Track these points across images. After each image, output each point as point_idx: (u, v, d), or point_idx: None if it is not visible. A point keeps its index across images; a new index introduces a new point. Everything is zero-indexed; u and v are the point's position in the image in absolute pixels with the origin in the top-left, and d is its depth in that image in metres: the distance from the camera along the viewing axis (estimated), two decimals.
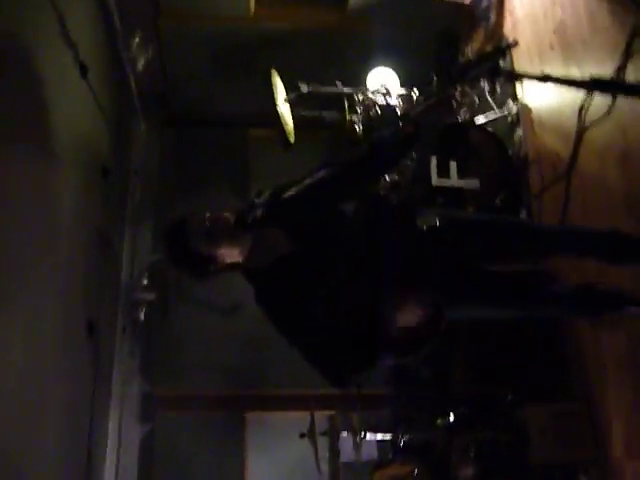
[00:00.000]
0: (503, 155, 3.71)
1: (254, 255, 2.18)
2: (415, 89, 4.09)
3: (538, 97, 3.65)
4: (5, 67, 2.45)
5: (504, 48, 1.61)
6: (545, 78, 1.62)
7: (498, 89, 3.45)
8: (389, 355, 2.09)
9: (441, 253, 2.22)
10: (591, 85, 1.55)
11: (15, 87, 2.58)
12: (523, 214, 3.67)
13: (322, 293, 2.04)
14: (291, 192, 1.91)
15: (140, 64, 4.17)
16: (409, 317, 2.00)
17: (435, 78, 2.16)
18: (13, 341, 2.47)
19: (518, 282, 2.40)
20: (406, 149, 2.01)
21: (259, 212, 2.04)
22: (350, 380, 2.15)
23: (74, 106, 3.44)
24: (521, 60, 3.77)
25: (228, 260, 2.14)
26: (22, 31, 2.64)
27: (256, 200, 2.02)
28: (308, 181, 1.89)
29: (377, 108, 4.01)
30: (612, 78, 2.50)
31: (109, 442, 4.16)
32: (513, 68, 2.88)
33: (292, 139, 4.04)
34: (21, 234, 2.58)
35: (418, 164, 3.41)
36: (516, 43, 1.55)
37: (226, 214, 2.18)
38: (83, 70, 3.48)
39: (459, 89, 1.79)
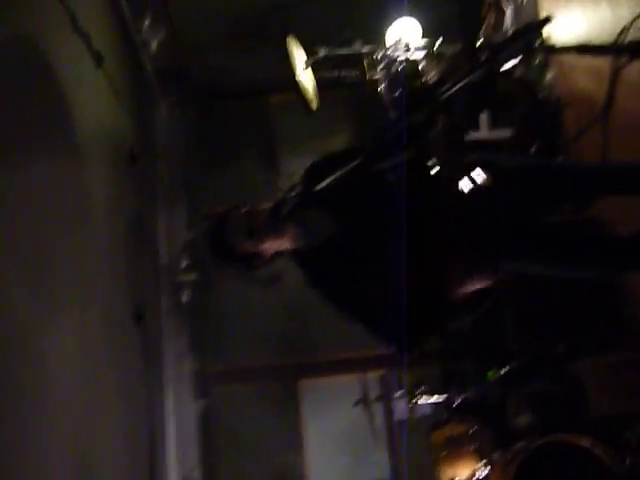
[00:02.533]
0: (534, 101, 3.58)
1: (299, 241, 2.18)
2: (439, 39, 3.93)
3: (566, 37, 3.49)
4: (20, 67, 2.43)
5: (537, 24, 1.51)
6: (583, 48, 1.53)
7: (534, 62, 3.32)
8: (452, 318, 2.09)
9: (488, 207, 2.17)
10: (630, 50, 1.45)
11: (33, 85, 2.56)
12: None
13: (377, 266, 2.03)
14: (322, 185, 1.87)
15: (154, 45, 4.10)
16: (469, 280, 1.99)
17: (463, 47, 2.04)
18: (65, 335, 2.53)
19: (570, 235, 2.34)
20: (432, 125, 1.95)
21: (292, 206, 2.01)
22: (417, 345, 2.14)
23: (93, 97, 3.41)
24: (546, 1, 3.61)
25: (274, 251, 2.17)
26: (33, 28, 2.60)
27: (288, 194, 1.98)
28: (338, 172, 1.84)
29: (398, 64, 3.88)
30: None
31: (168, 422, 4.28)
32: (538, 11, 2.74)
33: (314, 105, 3.95)
34: (59, 231, 2.61)
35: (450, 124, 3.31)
36: (549, 19, 1.46)
37: (264, 207, 2.17)
38: (98, 59, 3.43)
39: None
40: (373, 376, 4.50)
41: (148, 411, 3.83)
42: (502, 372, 3.61)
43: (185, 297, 4.42)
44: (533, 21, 2.50)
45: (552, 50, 1.69)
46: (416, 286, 1.97)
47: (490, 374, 3.68)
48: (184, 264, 4.50)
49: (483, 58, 1.65)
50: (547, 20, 1.55)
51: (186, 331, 4.58)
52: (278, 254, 2.19)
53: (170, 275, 4.51)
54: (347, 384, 4.41)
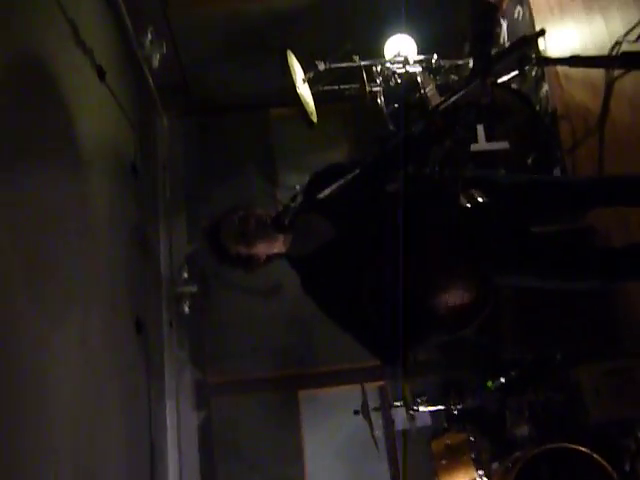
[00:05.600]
0: (531, 113, 3.63)
1: (296, 244, 2.23)
2: (435, 55, 4.01)
3: (562, 49, 3.55)
4: (23, 79, 2.47)
5: (531, 37, 1.56)
6: (575, 60, 1.58)
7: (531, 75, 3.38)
8: (439, 333, 2.12)
9: (485, 224, 2.21)
10: (622, 61, 1.50)
11: (36, 97, 2.60)
12: (557, 172, 3.61)
13: (369, 274, 2.07)
14: (324, 194, 1.92)
15: (156, 60, 4.15)
16: (458, 295, 2.02)
17: (471, 55, 2.04)
18: (67, 346, 2.56)
19: (564, 247, 2.39)
20: (436, 142, 2.00)
21: (294, 215, 2.06)
22: (401, 358, 2.18)
23: (96, 110, 3.46)
24: (541, 12, 3.67)
25: (270, 252, 2.23)
26: (36, 41, 2.64)
27: (291, 204, 2.03)
28: (340, 181, 1.89)
29: (396, 77, 3.94)
30: None
31: (169, 432, 4.29)
32: (534, 26, 2.79)
33: (314, 118, 4.00)
34: (63, 244, 2.65)
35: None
36: (543, 32, 1.51)
37: (258, 211, 2.22)
38: (101, 74, 3.49)
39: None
40: (373, 386, 4.52)
41: (149, 421, 3.84)
42: (501, 382, 3.65)
43: (186, 309, 4.45)
44: (527, 34, 2.55)
45: (546, 62, 1.72)
46: (408, 297, 2.01)
47: (489, 384, 3.71)
48: (184, 276, 4.53)
49: (480, 70, 1.70)
50: (541, 33, 1.60)
51: (187, 342, 4.60)
52: (273, 257, 2.26)
53: (171, 287, 4.54)
54: (347, 395, 4.42)
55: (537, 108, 3.68)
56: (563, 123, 3.60)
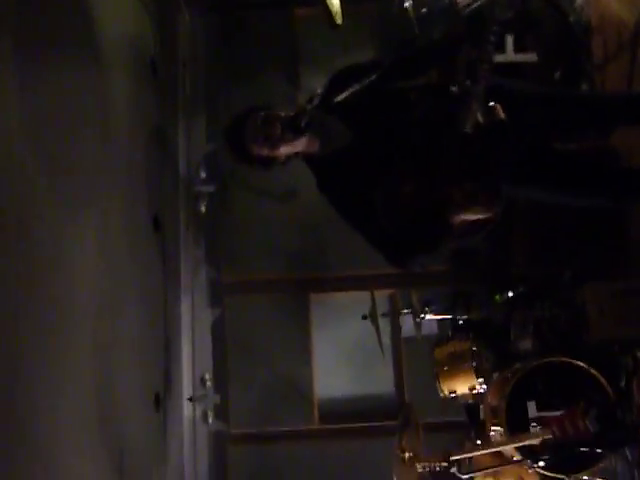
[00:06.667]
0: (563, 24, 3.49)
1: (315, 145, 2.24)
2: None
3: None
4: None
5: None
6: None
7: None
8: (449, 239, 2.15)
9: (501, 136, 2.19)
10: None
11: None
12: (584, 87, 3.50)
13: (385, 179, 2.08)
14: (342, 96, 1.89)
15: None
16: (469, 202, 2.03)
17: None
18: (86, 235, 2.62)
19: (583, 165, 2.37)
20: (456, 49, 1.94)
21: (312, 117, 2.04)
22: (412, 262, 2.23)
23: (114, 4, 3.38)
24: None
25: (291, 152, 2.24)
26: None
27: (308, 106, 2.01)
28: (357, 85, 1.86)
29: None
30: None
31: (183, 327, 4.44)
32: None
33: (339, 20, 3.89)
34: (82, 138, 2.66)
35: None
36: None
37: (282, 115, 2.21)
38: None
39: None
40: (382, 293, 4.61)
41: (164, 315, 3.97)
42: (508, 295, 3.70)
43: (203, 208, 4.49)
44: None
45: None
46: (419, 206, 2.02)
47: (497, 297, 3.77)
48: (203, 176, 4.55)
49: None
50: None
51: (203, 242, 4.67)
52: (293, 157, 2.27)
53: (188, 186, 4.57)
54: (356, 300, 4.51)
55: (570, 19, 3.53)
56: (596, 36, 3.46)
